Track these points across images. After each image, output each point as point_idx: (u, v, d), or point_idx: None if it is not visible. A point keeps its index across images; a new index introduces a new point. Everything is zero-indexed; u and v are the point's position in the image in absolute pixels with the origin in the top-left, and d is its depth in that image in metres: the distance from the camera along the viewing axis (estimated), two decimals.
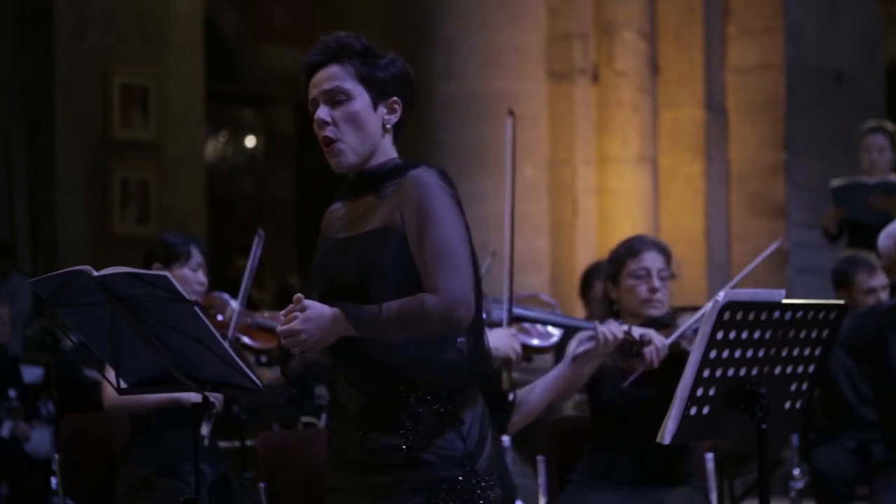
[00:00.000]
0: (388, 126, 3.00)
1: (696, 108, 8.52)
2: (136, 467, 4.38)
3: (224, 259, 11.54)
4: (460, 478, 2.88)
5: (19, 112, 11.03)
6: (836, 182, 7.35)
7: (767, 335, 2.93)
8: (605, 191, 8.36)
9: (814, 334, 3.02)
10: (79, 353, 6.03)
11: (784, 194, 8.51)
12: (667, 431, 2.88)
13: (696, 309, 4.24)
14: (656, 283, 4.17)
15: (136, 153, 11.36)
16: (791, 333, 2.97)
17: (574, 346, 4.04)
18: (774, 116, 8.55)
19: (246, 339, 4.89)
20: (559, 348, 4.47)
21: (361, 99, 2.96)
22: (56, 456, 4.43)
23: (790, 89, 8.52)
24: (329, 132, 2.95)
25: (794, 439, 6.01)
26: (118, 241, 11.05)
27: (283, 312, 2.86)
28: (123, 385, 3.07)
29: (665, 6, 8.52)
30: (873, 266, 5.64)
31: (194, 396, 3.09)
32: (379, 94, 2.97)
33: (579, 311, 7.06)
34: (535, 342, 4.33)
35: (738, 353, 2.90)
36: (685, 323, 4.06)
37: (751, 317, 2.88)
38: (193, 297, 3.50)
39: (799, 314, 2.96)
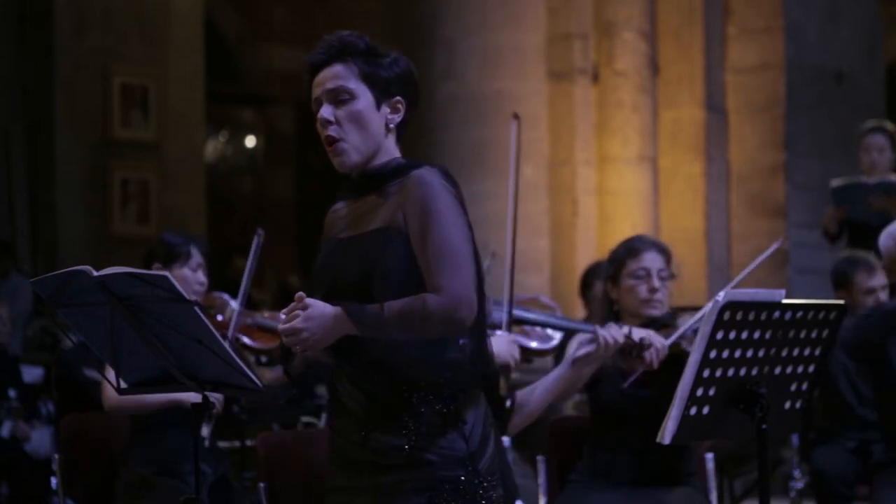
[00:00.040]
0: (392, 126, 2.99)
1: (696, 108, 8.52)
2: (136, 467, 4.38)
3: (224, 259, 11.54)
4: (462, 478, 2.87)
5: (19, 112, 11.03)
6: (836, 182, 7.35)
7: (767, 335, 2.93)
8: (605, 191, 8.36)
9: (814, 334, 3.02)
10: (79, 353, 6.02)
11: (784, 194, 8.51)
12: (667, 431, 2.88)
13: (696, 309, 4.25)
14: (656, 283, 4.17)
15: (136, 153, 11.36)
16: (791, 333, 2.97)
17: (574, 349, 4.04)
18: (774, 116, 8.55)
19: (246, 339, 4.89)
20: (559, 350, 4.48)
21: (365, 98, 2.95)
22: (56, 456, 4.43)
23: (790, 89, 8.52)
24: (332, 131, 2.95)
25: (794, 439, 6.01)
26: (118, 241, 11.05)
27: (285, 311, 2.85)
28: (123, 385, 3.07)
29: (665, 6, 8.52)
30: (872, 266, 5.63)
31: (194, 397, 3.09)
32: (382, 94, 2.97)
33: (579, 311, 7.06)
34: (536, 345, 4.33)
35: (738, 353, 2.90)
36: (685, 323, 4.06)
37: (751, 317, 2.88)
38: (193, 298, 3.50)
39: (799, 314, 2.96)
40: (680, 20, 8.52)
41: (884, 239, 5.25)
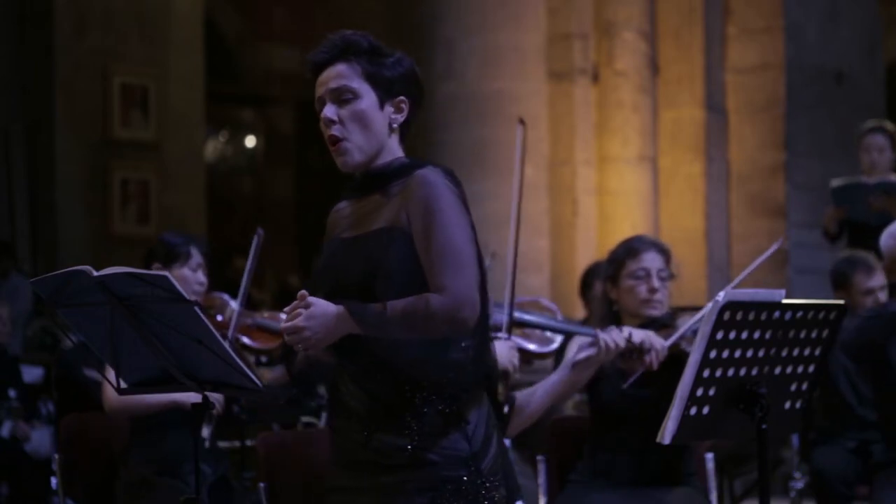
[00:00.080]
0: (395, 125, 2.99)
1: (696, 108, 8.52)
2: (136, 467, 4.38)
3: (224, 259, 11.54)
4: (465, 478, 2.87)
5: (19, 112, 11.03)
6: (836, 182, 7.35)
7: (767, 335, 2.93)
8: (605, 191, 8.36)
9: (814, 334, 3.02)
10: (79, 353, 6.02)
11: (784, 194, 8.51)
12: (667, 431, 2.88)
13: (696, 309, 4.24)
14: (656, 283, 4.16)
15: (136, 153, 11.37)
16: (791, 333, 2.97)
17: (574, 352, 4.04)
18: (774, 116, 8.55)
19: (246, 340, 4.89)
20: (559, 352, 4.48)
21: (368, 98, 2.95)
22: (56, 456, 4.42)
23: (790, 89, 8.52)
24: (335, 131, 2.94)
25: (794, 439, 6.01)
26: (118, 241, 11.05)
27: (287, 309, 2.85)
28: (123, 385, 3.07)
29: (665, 6, 8.52)
30: (872, 267, 5.63)
31: (194, 398, 3.09)
32: (386, 93, 2.96)
33: (579, 311, 7.06)
34: (536, 347, 4.33)
35: (738, 353, 2.90)
36: (685, 324, 4.06)
37: (751, 317, 2.88)
38: (193, 298, 3.50)
39: (799, 314, 2.96)
40: (680, 20, 8.52)
41: (885, 239, 5.25)
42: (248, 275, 4.37)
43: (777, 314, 2.92)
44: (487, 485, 2.90)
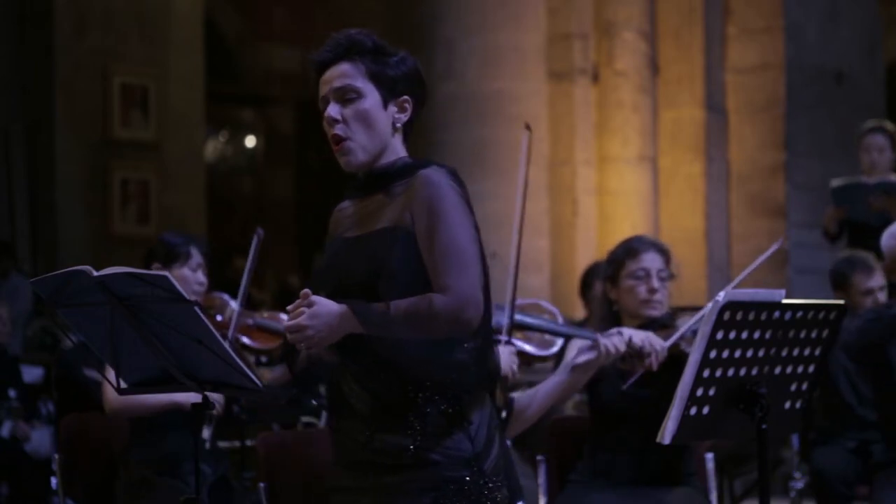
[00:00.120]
0: (398, 125, 2.99)
1: (696, 108, 8.53)
2: (136, 467, 4.38)
3: (224, 259, 11.55)
4: (468, 478, 2.86)
5: (19, 112, 11.03)
6: (836, 182, 7.35)
7: (767, 335, 2.93)
8: (605, 191, 8.36)
9: (814, 334, 3.01)
10: (79, 353, 6.02)
11: (784, 194, 8.52)
12: (667, 431, 2.88)
13: (696, 309, 4.24)
14: (655, 283, 4.16)
15: (136, 153, 11.37)
16: (791, 333, 2.97)
17: (573, 355, 4.04)
18: (774, 116, 8.56)
19: (246, 340, 4.89)
20: (559, 355, 4.48)
21: (372, 97, 2.94)
22: (56, 456, 4.42)
23: (790, 89, 8.53)
24: (339, 130, 2.93)
25: (794, 439, 6.01)
26: (118, 241, 11.05)
27: (290, 307, 2.84)
28: (123, 385, 3.07)
29: (665, 6, 8.53)
30: (871, 267, 5.63)
31: (194, 398, 3.09)
32: (389, 93, 2.96)
33: (579, 311, 7.06)
34: (536, 350, 4.32)
35: (738, 353, 2.90)
36: (685, 324, 4.06)
37: (751, 317, 2.88)
38: (193, 298, 3.49)
39: (799, 314, 2.96)
40: (680, 20, 8.52)
41: (886, 239, 5.24)
42: (247, 275, 4.37)
43: (777, 314, 2.92)
44: (490, 485, 2.90)
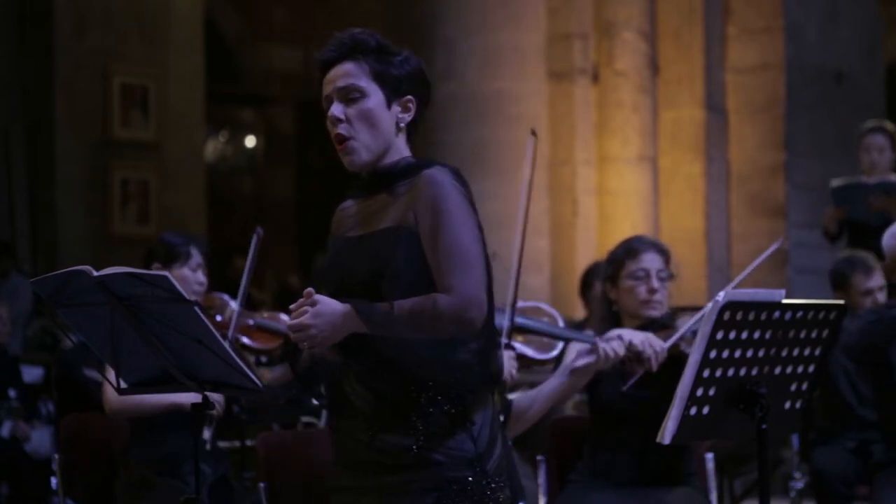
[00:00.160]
0: (402, 124, 2.98)
1: (696, 108, 8.53)
2: (136, 467, 4.38)
3: (224, 259, 11.54)
4: (470, 479, 2.86)
5: (19, 112, 11.03)
6: (836, 182, 7.35)
7: (767, 335, 2.93)
8: (605, 191, 8.36)
9: (814, 334, 3.01)
10: (79, 353, 6.02)
11: (784, 194, 8.52)
12: (667, 431, 2.88)
13: (696, 309, 4.24)
14: (655, 283, 4.16)
15: (136, 153, 11.37)
16: (791, 333, 2.97)
17: (573, 358, 4.04)
18: (774, 116, 8.56)
19: (246, 340, 4.89)
20: (558, 359, 4.48)
21: (375, 97, 2.94)
22: (56, 456, 4.42)
23: (790, 89, 8.53)
24: (342, 130, 2.93)
25: (794, 439, 6.01)
26: (118, 241, 11.05)
27: (293, 306, 2.83)
28: (123, 385, 3.07)
29: (665, 6, 8.53)
30: (871, 267, 5.63)
31: (194, 399, 3.08)
32: (393, 92, 2.96)
33: (579, 311, 7.06)
34: (537, 354, 4.32)
35: (738, 353, 2.90)
36: (684, 325, 4.06)
37: (751, 317, 2.88)
38: (193, 298, 3.49)
39: (799, 314, 2.96)
40: (680, 20, 8.53)
41: (887, 239, 5.24)
42: (247, 275, 4.37)
43: (777, 314, 2.92)
44: (493, 485, 2.89)
